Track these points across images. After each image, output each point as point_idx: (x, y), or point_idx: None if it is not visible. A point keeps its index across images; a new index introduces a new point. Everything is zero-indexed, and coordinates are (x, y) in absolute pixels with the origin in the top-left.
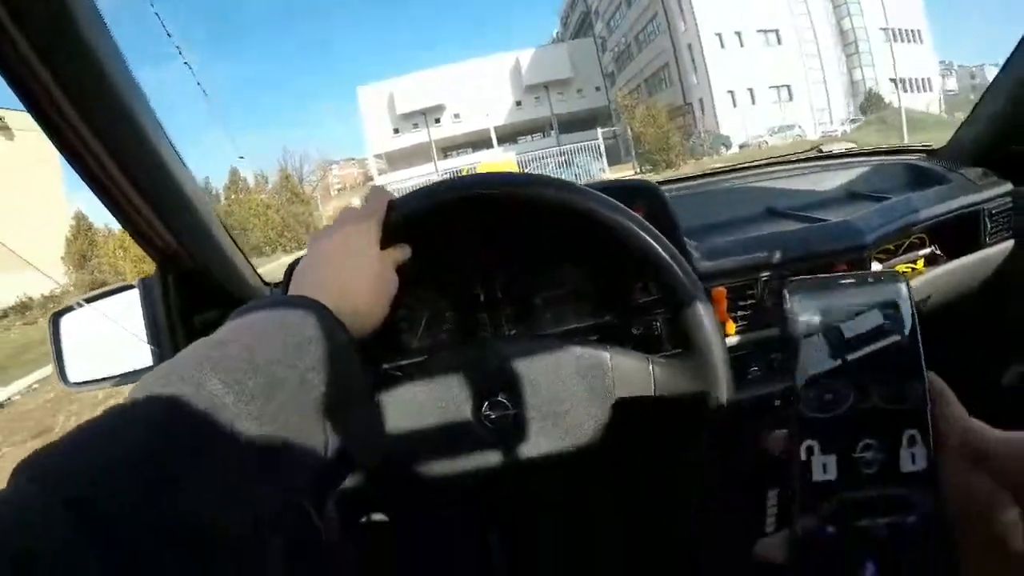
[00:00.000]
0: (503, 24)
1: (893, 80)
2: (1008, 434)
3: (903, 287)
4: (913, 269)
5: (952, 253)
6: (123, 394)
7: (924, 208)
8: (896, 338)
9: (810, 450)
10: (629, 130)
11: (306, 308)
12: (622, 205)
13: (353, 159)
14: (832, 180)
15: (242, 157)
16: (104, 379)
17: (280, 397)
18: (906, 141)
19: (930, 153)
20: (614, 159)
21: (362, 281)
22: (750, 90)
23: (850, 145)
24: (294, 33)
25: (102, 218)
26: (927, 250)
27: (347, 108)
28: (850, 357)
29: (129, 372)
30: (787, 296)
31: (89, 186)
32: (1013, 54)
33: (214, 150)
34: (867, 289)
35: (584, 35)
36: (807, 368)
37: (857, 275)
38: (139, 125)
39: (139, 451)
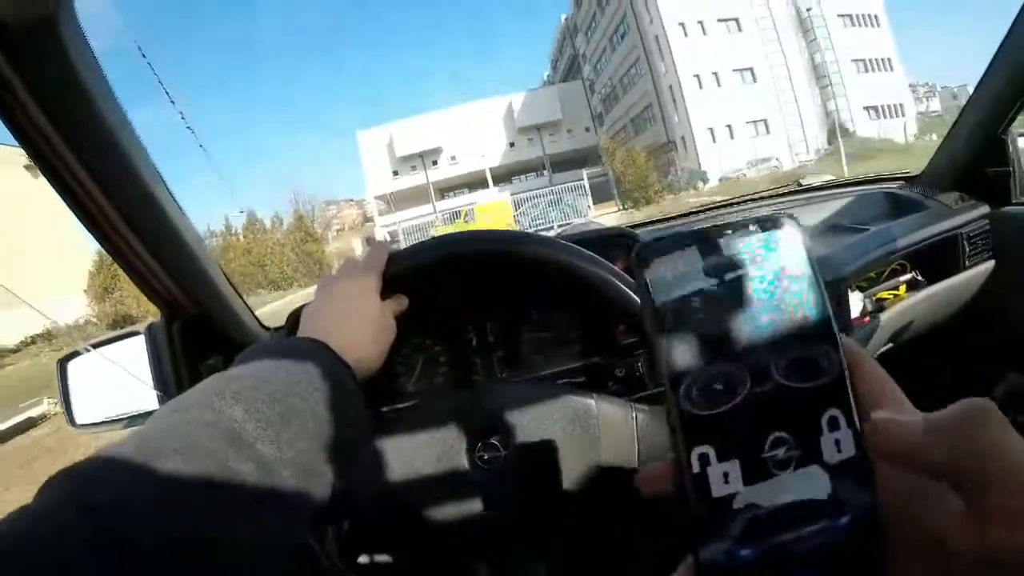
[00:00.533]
0: (496, 68)
1: (867, 108)
2: (933, 417)
3: (793, 226)
4: (895, 295)
5: (933, 277)
6: None
7: (901, 236)
8: (795, 289)
9: (704, 459)
10: (611, 170)
11: (314, 349)
12: (597, 257)
13: (352, 200)
14: (813, 213)
15: (241, 211)
16: (111, 421)
17: (295, 425)
18: (846, 172)
19: (909, 180)
20: (603, 197)
21: (363, 328)
22: (728, 126)
23: (829, 177)
24: (295, 79)
25: None
26: (908, 276)
27: (346, 151)
28: (736, 325)
29: (136, 415)
30: (645, 259)
31: (92, 234)
32: (983, 77)
33: (224, 194)
34: (751, 238)
35: (573, 78)
36: (679, 351)
37: (735, 224)
38: (139, 177)
39: (158, 473)
